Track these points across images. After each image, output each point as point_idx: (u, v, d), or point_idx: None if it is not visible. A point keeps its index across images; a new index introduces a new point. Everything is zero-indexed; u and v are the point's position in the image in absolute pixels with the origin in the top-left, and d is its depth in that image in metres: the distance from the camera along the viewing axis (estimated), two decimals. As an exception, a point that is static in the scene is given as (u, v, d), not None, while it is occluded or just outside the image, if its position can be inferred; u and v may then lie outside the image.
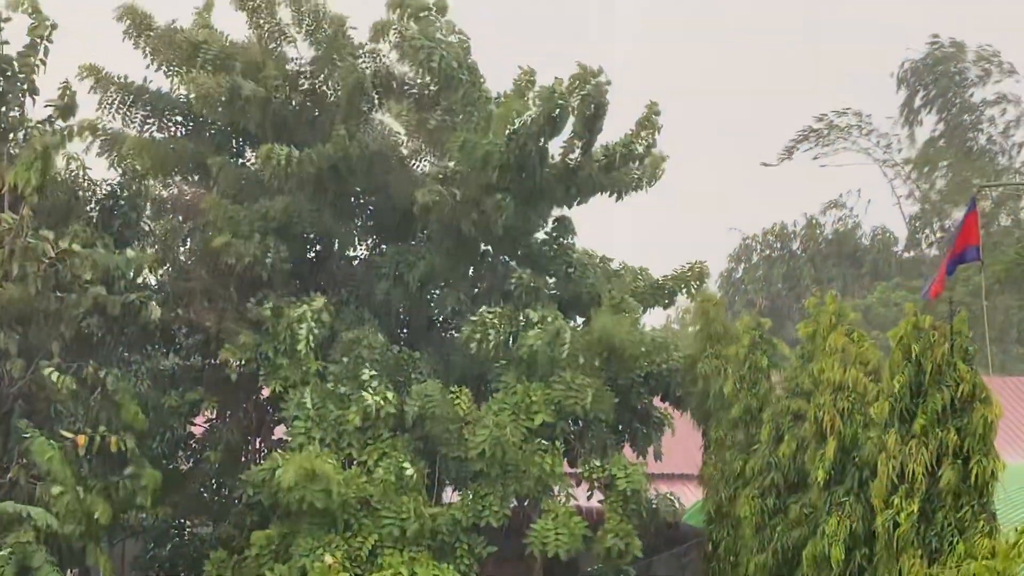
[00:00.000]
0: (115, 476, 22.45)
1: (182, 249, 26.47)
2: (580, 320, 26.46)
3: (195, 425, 26.72)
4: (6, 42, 23.08)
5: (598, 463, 24.18)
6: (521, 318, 24.36)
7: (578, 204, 26.37)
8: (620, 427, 26.07)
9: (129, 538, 25.79)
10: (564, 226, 27.09)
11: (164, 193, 26.84)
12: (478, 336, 24.04)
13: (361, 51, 26.86)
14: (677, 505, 25.54)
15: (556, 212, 26.87)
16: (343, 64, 25.84)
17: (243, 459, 25.93)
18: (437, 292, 26.69)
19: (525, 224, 25.85)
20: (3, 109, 23.08)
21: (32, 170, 21.04)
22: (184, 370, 26.16)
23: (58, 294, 21.67)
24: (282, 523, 23.10)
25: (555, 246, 26.87)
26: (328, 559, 22.34)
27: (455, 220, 25.07)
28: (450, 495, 25.18)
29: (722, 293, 55.84)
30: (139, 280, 23.47)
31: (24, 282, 21.01)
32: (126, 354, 24.62)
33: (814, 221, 61.66)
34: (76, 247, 21.63)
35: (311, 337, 23.93)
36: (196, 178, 26.89)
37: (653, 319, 71.71)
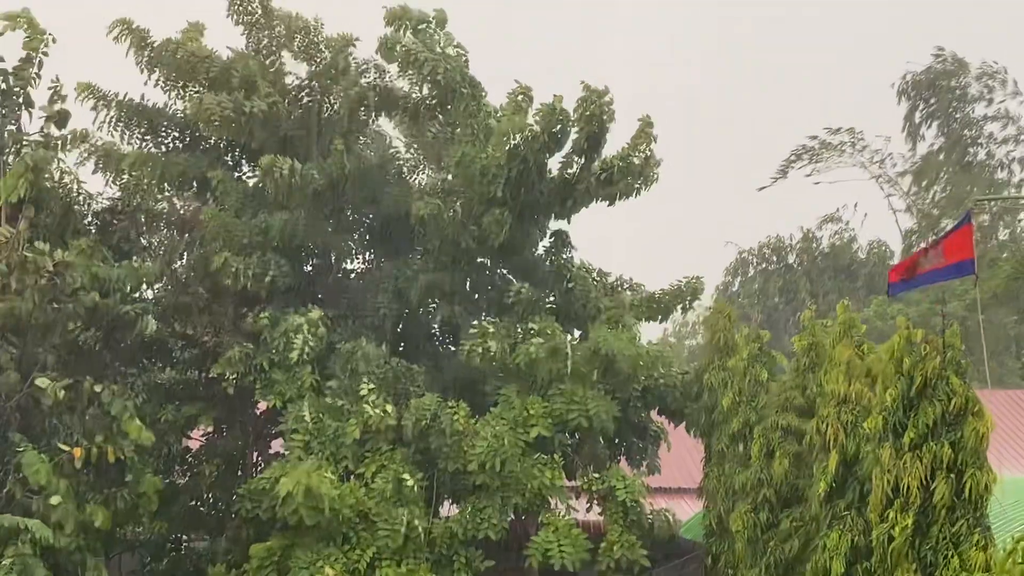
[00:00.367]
0: (113, 488, 22.46)
1: (179, 263, 26.48)
2: (577, 333, 26.50)
3: (191, 439, 26.72)
4: (1, 58, 23.15)
5: (596, 476, 24.22)
6: (519, 330, 24.40)
7: (574, 214, 26.43)
8: (617, 440, 26.09)
9: (126, 552, 25.74)
10: (561, 239, 27.16)
11: (161, 207, 26.84)
12: (479, 347, 24.07)
13: (363, 65, 26.97)
14: (672, 520, 25.56)
15: (553, 225, 26.95)
16: (344, 80, 25.90)
17: (240, 473, 25.92)
18: (434, 305, 26.73)
19: (523, 237, 25.92)
20: (-1, 122, 23.22)
21: (21, 181, 21.05)
22: (180, 384, 26.20)
23: (55, 305, 21.67)
24: (280, 536, 23.10)
25: (553, 259, 26.94)
26: (328, 572, 22.36)
27: (454, 233, 25.12)
28: (448, 508, 25.19)
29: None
30: (136, 293, 23.48)
31: (21, 295, 21.02)
32: (122, 368, 24.65)
33: (810, 235, 61.74)
34: (73, 259, 21.64)
35: (306, 349, 23.95)
36: (194, 192, 26.93)
37: (650, 332, 71.72)
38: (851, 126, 59.80)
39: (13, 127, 23.19)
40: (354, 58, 26.99)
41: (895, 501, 16.11)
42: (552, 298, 26.66)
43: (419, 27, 25.94)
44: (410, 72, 26.07)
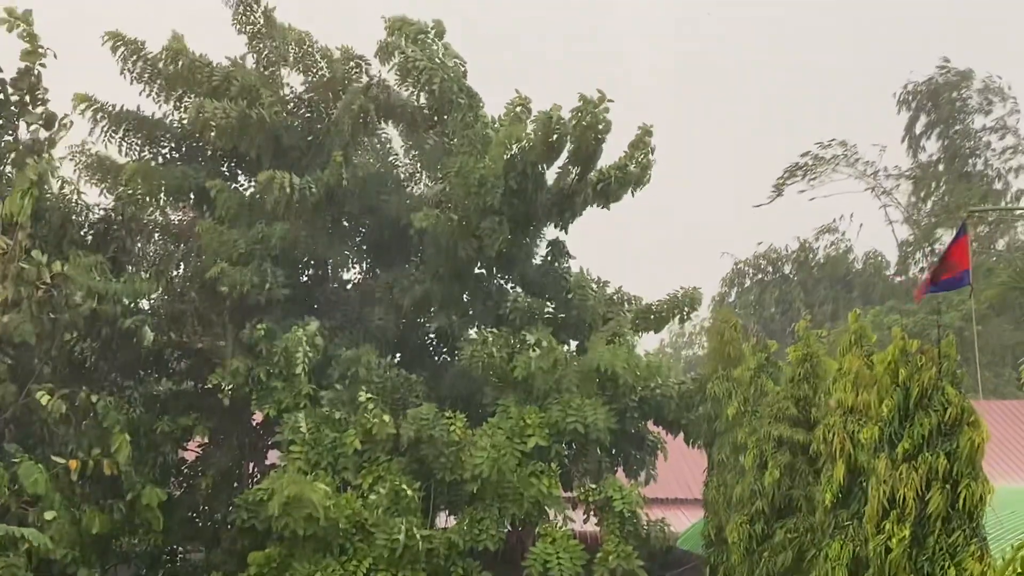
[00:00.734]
0: (109, 499, 22.44)
1: (176, 273, 26.47)
2: (574, 343, 26.52)
3: (187, 450, 26.70)
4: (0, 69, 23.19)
5: (593, 486, 24.21)
6: (515, 341, 24.40)
7: (571, 222, 26.41)
8: (614, 451, 26.08)
9: (121, 564, 25.69)
10: (558, 249, 27.18)
11: (158, 217, 26.85)
12: (482, 353, 24.07)
13: (364, 75, 27.02)
14: (667, 530, 25.52)
15: (550, 234, 27.01)
16: (347, 97, 25.91)
17: (236, 484, 25.89)
18: (431, 315, 26.73)
19: (520, 247, 25.94)
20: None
21: (27, 199, 21.05)
22: (176, 395, 26.17)
23: (51, 316, 21.67)
24: (277, 547, 23.07)
25: (550, 269, 26.95)
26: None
27: (452, 244, 25.14)
28: (445, 519, 25.17)
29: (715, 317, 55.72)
30: (133, 305, 23.48)
31: (18, 306, 21.01)
32: (118, 379, 24.64)
33: (806, 245, 61.80)
34: (70, 271, 21.64)
35: (306, 361, 23.96)
36: (190, 202, 26.94)
37: (646, 342, 71.80)
38: (844, 138, 60.03)
39: (10, 137, 23.20)
40: (356, 70, 27.03)
41: (891, 512, 16.08)
42: (550, 308, 26.67)
43: (418, 37, 25.99)
44: (408, 81, 26.13)
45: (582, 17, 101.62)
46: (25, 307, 21.10)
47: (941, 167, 59.51)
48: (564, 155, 25.27)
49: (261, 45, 27.33)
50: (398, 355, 27.15)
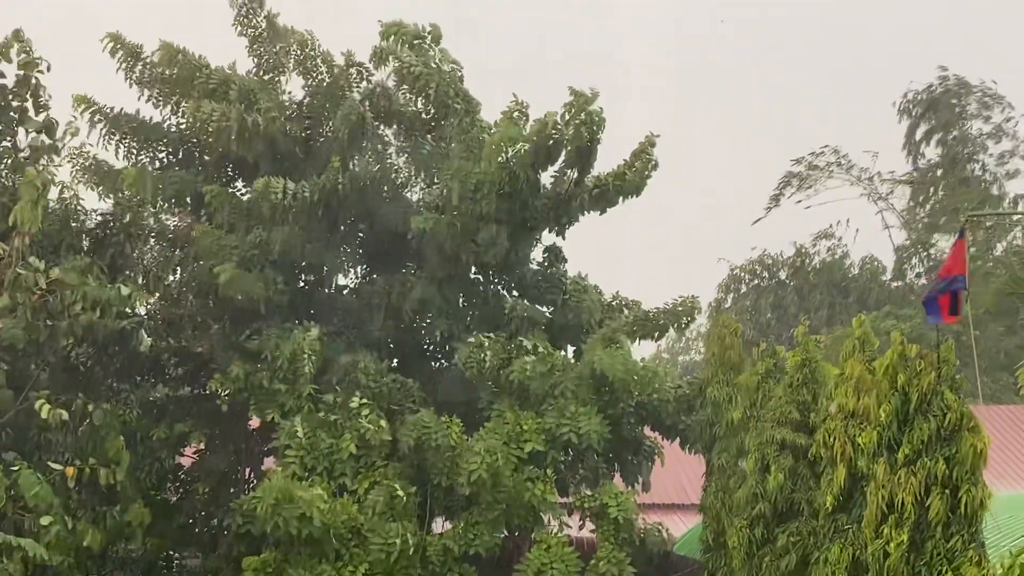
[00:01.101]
0: (105, 507, 22.40)
1: (172, 278, 26.44)
2: (571, 349, 26.48)
3: (184, 456, 26.66)
4: (1, 74, 23.14)
5: (589, 492, 24.17)
6: (512, 346, 24.37)
7: (568, 227, 26.39)
8: (611, 457, 26.05)
9: (117, 570, 25.64)
10: (555, 254, 27.15)
11: (154, 222, 26.80)
12: (474, 360, 24.03)
13: (361, 80, 27.00)
14: (665, 535, 25.47)
15: (547, 239, 26.99)
16: (346, 104, 25.88)
17: (232, 490, 25.85)
18: (428, 321, 26.70)
19: (517, 253, 25.90)
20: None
21: (39, 209, 21.02)
22: (173, 400, 26.15)
23: (48, 322, 21.62)
24: (272, 552, 23.03)
25: (547, 274, 26.92)
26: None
27: (452, 248, 25.09)
28: (441, 525, 25.13)
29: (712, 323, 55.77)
30: (129, 310, 23.42)
31: (14, 313, 20.96)
32: (114, 384, 24.60)
33: (802, 251, 61.84)
34: (67, 278, 21.59)
35: (310, 364, 23.95)
36: (187, 207, 26.91)
37: (643, 348, 71.74)
38: (844, 142, 60.46)
39: (8, 143, 23.17)
40: (356, 77, 27.03)
41: (890, 517, 16.09)
42: (547, 313, 26.65)
43: (414, 42, 25.97)
44: (404, 87, 26.11)
45: (582, 18, 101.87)
46: (21, 313, 21.04)
47: (939, 172, 59.64)
48: (560, 159, 25.25)
49: (262, 49, 27.31)
50: (395, 360, 27.12)
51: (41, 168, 22.29)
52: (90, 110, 26.34)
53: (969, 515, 15.69)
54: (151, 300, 25.51)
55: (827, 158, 59.79)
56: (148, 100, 26.80)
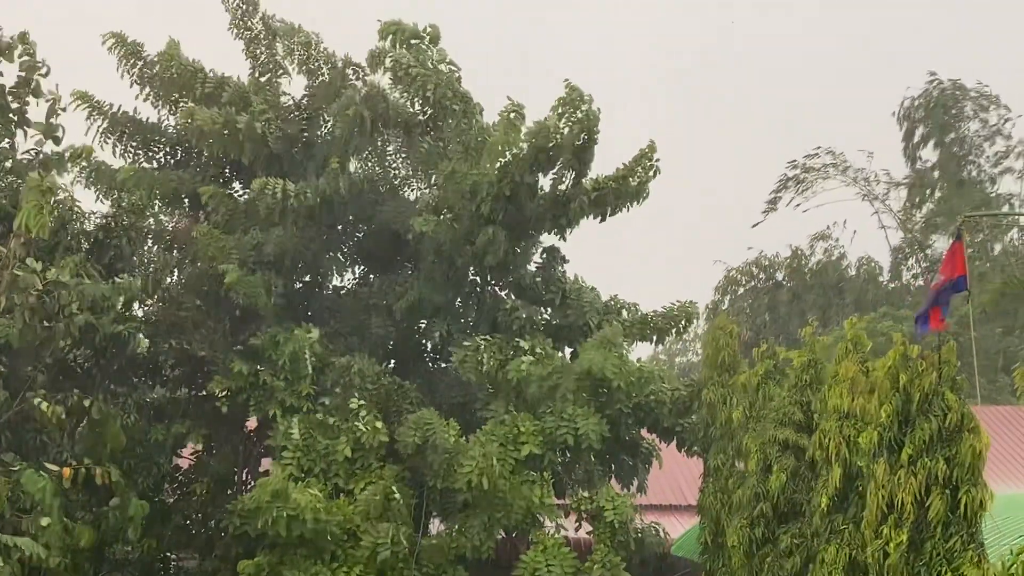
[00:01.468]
0: (101, 507, 22.36)
1: (170, 279, 26.41)
2: (568, 351, 26.46)
3: (181, 457, 26.63)
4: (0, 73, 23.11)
5: (586, 494, 24.14)
6: (508, 348, 24.35)
7: (568, 231, 26.37)
8: (608, 458, 26.02)
9: (115, 571, 25.60)
10: (553, 256, 27.12)
11: (153, 223, 26.78)
12: (471, 362, 24.00)
13: (359, 81, 26.98)
14: (663, 536, 25.45)
15: (546, 241, 26.96)
16: (341, 101, 25.84)
17: (229, 491, 25.82)
18: (425, 322, 26.67)
19: (515, 254, 25.86)
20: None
21: (43, 213, 20.98)
22: (170, 402, 26.12)
23: (45, 324, 21.58)
24: (268, 553, 23.00)
25: (546, 276, 26.89)
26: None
27: (451, 250, 25.05)
28: (437, 526, 25.10)
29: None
30: (127, 312, 23.40)
31: (11, 313, 20.93)
32: (112, 386, 24.56)
33: (799, 252, 61.91)
34: (65, 278, 21.56)
35: (311, 362, 23.94)
36: (185, 208, 26.88)
37: (640, 350, 71.93)
38: (842, 144, 60.55)
39: (7, 144, 23.12)
40: (353, 75, 27.00)
41: (889, 517, 16.09)
42: (545, 315, 26.62)
43: (412, 42, 25.94)
44: (400, 87, 26.10)
45: (582, 18, 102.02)
46: (18, 314, 21.01)
47: (936, 175, 59.77)
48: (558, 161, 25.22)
49: (258, 51, 27.29)
50: (392, 362, 27.11)
51: (48, 173, 22.26)
52: (88, 107, 26.33)
53: (969, 516, 15.68)
54: (149, 302, 25.46)
55: (823, 160, 59.91)
56: (147, 99, 26.82)
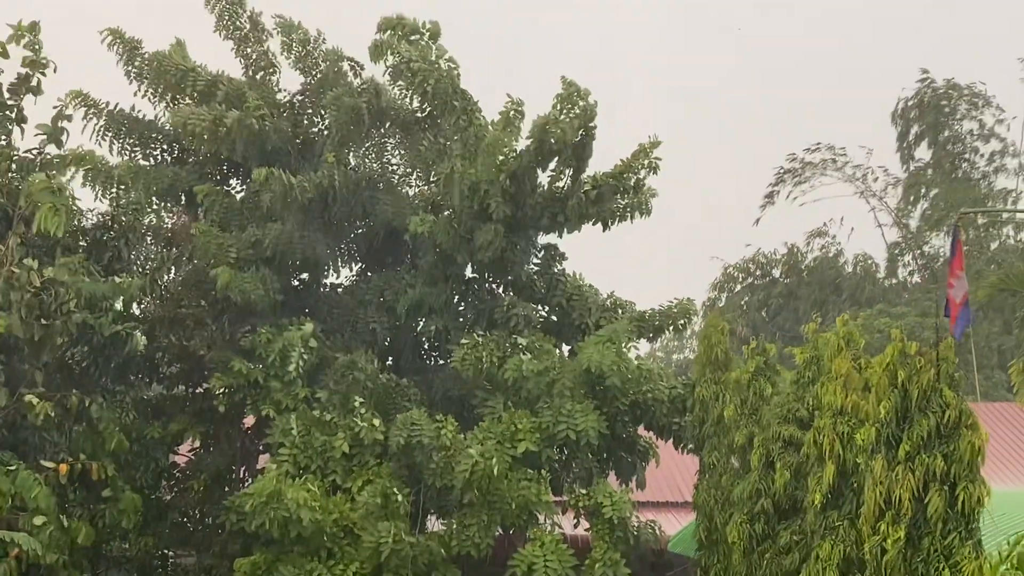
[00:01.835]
0: (98, 504, 22.36)
1: (167, 277, 26.40)
2: (566, 348, 26.45)
3: (178, 455, 26.63)
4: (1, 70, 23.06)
5: (583, 491, 24.14)
6: (508, 345, 24.34)
7: (568, 232, 26.34)
8: (605, 455, 26.02)
9: (112, 568, 25.62)
10: (552, 254, 27.11)
11: (150, 220, 26.76)
12: (471, 359, 23.99)
13: (355, 76, 26.95)
14: (659, 532, 25.47)
15: (543, 239, 26.92)
16: (335, 92, 25.77)
17: (227, 488, 25.82)
18: (423, 319, 26.66)
19: (513, 252, 25.84)
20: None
21: (60, 214, 21.00)
22: (168, 399, 26.11)
23: (43, 322, 21.57)
24: (265, 551, 23.00)
25: (544, 273, 26.88)
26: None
27: (450, 248, 25.03)
28: (433, 523, 25.09)
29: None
30: (125, 311, 23.39)
31: (8, 312, 20.92)
32: (109, 384, 24.55)
33: (795, 249, 61.93)
34: (58, 274, 21.55)
35: (301, 362, 23.90)
36: (182, 205, 26.87)
37: (637, 347, 71.74)
38: (841, 140, 60.61)
39: (3, 141, 23.09)
40: (351, 68, 26.97)
41: (887, 513, 16.09)
42: (543, 312, 26.62)
43: (412, 37, 25.91)
44: (400, 82, 26.08)
45: (582, 18, 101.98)
46: (15, 312, 21.00)
47: (930, 172, 59.86)
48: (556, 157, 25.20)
49: (248, 50, 27.27)
50: (390, 358, 27.10)
51: (54, 173, 22.26)
52: (84, 105, 26.32)
53: (967, 512, 15.69)
54: (147, 299, 25.44)
55: (822, 154, 59.94)
56: (145, 96, 26.83)
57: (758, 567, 19.91)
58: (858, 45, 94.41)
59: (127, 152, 26.93)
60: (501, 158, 24.32)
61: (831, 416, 18.52)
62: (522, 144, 24.68)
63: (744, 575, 20.30)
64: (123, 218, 24.78)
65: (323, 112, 26.62)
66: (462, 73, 26.16)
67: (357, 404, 23.69)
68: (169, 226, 26.79)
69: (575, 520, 24.46)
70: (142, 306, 25.35)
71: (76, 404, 21.75)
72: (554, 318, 26.67)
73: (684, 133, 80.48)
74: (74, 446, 22.25)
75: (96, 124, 26.52)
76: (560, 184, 25.48)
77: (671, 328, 27.39)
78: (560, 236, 26.50)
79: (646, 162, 25.54)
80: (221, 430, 26.11)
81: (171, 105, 26.71)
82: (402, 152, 28.19)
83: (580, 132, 24.50)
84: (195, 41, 27.02)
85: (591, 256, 30.02)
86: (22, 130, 23.12)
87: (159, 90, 26.73)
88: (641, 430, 26.57)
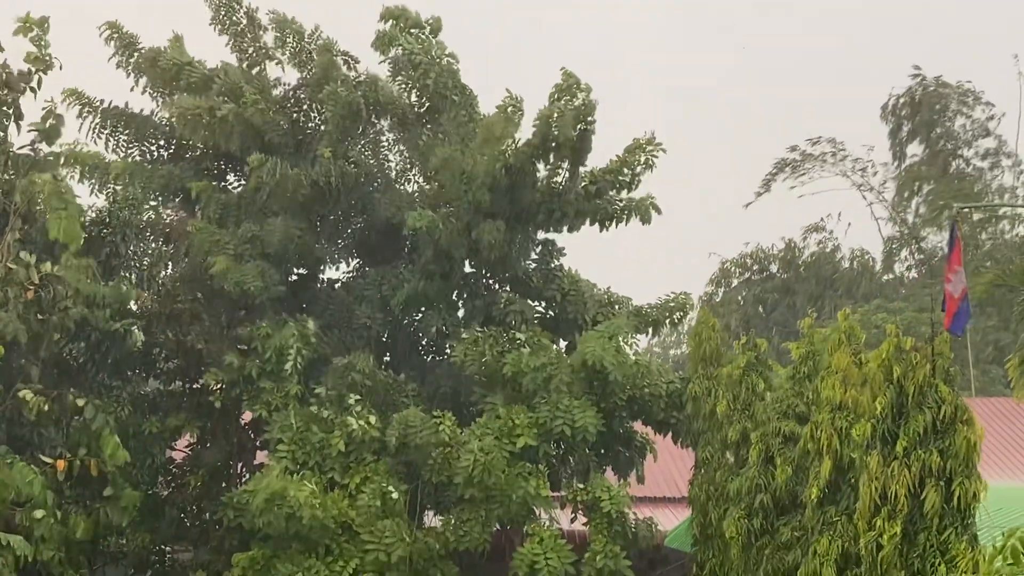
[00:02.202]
0: (95, 501, 22.37)
1: (165, 273, 26.38)
2: (564, 343, 26.45)
3: (176, 450, 26.63)
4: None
5: (581, 486, 24.14)
6: (505, 340, 24.34)
7: (568, 231, 26.34)
8: (603, 451, 26.03)
9: (109, 564, 25.62)
10: (550, 250, 27.09)
11: (148, 216, 26.72)
12: (472, 355, 23.99)
13: (353, 69, 26.94)
14: (655, 528, 25.48)
15: (542, 235, 26.89)
16: (332, 86, 25.74)
17: (224, 484, 25.83)
18: (420, 315, 26.63)
19: (511, 247, 25.81)
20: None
21: (76, 222, 20.99)
22: (165, 395, 26.11)
23: (39, 317, 21.58)
24: (263, 547, 23.00)
25: (543, 269, 26.87)
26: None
27: (448, 244, 25.00)
28: (431, 520, 25.09)
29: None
30: (120, 308, 23.38)
31: (5, 308, 20.92)
32: (106, 379, 24.55)
33: (792, 244, 61.96)
34: (60, 272, 21.55)
35: (299, 359, 23.89)
36: (179, 201, 26.85)
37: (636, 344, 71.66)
38: (842, 136, 60.53)
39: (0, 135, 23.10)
40: (344, 63, 26.94)
41: (883, 509, 16.11)
42: (542, 308, 26.62)
43: (412, 30, 25.89)
44: (401, 76, 26.04)
45: (581, 18, 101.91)
46: (12, 308, 21.00)
47: (923, 168, 59.93)
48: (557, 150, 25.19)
49: (244, 44, 27.25)
50: (387, 355, 27.08)
51: (62, 177, 22.26)
52: (79, 103, 26.29)
53: (963, 508, 15.72)
54: (144, 295, 25.44)
55: (822, 147, 59.97)
56: (144, 91, 26.80)
57: (756, 562, 19.92)
58: (856, 45, 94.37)
59: (123, 149, 26.90)
60: (501, 147, 24.27)
61: (829, 411, 18.54)
62: (522, 140, 24.64)
63: (742, 571, 20.32)
64: (120, 214, 24.75)
65: (320, 107, 26.57)
66: (462, 72, 26.23)
67: (352, 402, 23.65)
68: (167, 222, 26.75)
69: (572, 515, 24.47)
70: (139, 302, 25.32)
71: (73, 402, 21.74)
72: (551, 313, 26.65)
73: (683, 133, 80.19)
74: (71, 442, 22.24)
75: (92, 121, 26.48)
76: (558, 179, 25.47)
77: (668, 323, 27.41)
78: (559, 232, 26.53)
79: (643, 158, 25.54)
80: (218, 425, 26.08)
81: (167, 100, 26.67)
82: (400, 147, 28.15)
83: (579, 126, 24.49)
84: (195, 41, 27.04)
85: (590, 256, 29.99)
86: (18, 126, 23.10)
87: (156, 84, 26.69)
88: (638, 425, 26.59)
